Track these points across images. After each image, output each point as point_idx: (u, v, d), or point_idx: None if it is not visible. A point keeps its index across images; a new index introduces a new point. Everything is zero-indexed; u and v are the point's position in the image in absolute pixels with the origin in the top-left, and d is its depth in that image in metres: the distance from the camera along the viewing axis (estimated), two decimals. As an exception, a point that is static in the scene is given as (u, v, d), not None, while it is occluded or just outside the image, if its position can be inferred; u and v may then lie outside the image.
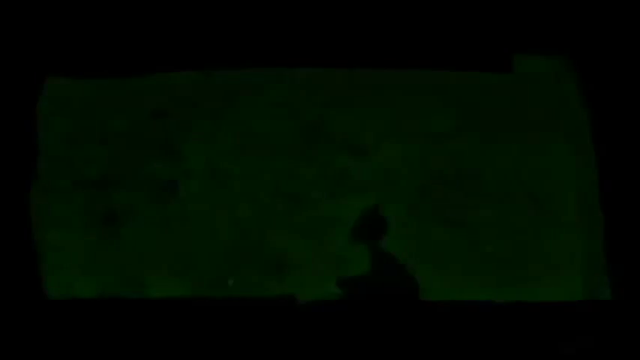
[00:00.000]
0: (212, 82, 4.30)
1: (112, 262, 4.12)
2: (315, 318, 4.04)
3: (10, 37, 4.30)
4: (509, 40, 4.32)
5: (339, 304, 4.07)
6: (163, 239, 4.15)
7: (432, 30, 4.35)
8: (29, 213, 4.12)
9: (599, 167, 4.21)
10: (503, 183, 4.20)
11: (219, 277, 4.12)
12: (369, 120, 4.26)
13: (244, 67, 4.30)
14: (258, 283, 4.11)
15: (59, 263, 4.12)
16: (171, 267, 4.12)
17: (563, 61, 4.31)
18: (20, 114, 4.23)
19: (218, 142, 4.25)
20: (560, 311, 4.03)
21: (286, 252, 4.14)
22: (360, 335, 4.04)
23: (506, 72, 4.29)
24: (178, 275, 4.11)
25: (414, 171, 4.22)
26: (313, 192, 4.21)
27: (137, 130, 4.26)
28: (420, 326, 4.05)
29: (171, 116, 4.27)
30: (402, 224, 4.17)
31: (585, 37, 4.34)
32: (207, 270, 4.12)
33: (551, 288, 4.10)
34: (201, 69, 4.30)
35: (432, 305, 4.07)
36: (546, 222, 4.17)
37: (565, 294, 4.09)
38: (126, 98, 4.27)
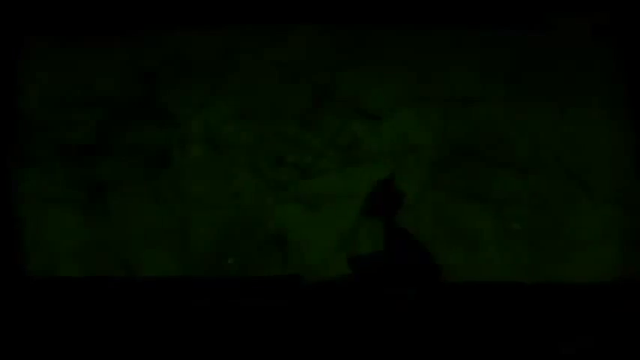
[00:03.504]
0: (209, 40, 4.11)
1: (99, 238, 4.01)
2: (321, 298, 3.95)
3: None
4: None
5: (349, 286, 3.97)
6: (155, 214, 4.02)
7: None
8: (9, 185, 4.01)
9: (637, 136, 4.02)
10: (532, 153, 4.03)
11: (216, 255, 4.00)
12: (382, 82, 4.09)
13: (244, 22, 4.12)
14: (260, 262, 3.99)
15: (41, 240, 4.01)
16: (164, 244, 4.01)
17: (599, 20, 4.08)
18: None
19: (216, 107, 4.09)
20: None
21: (291, 227, 4.01)
22: (372, 320, 3.93)
23: (539, 31, 4.09)
24: (172, 253, 4.00)
25: (432, 139, 4.06)
26: (321, 162, 4.05)
27: (126, 94, 4.10)
28: (439, 310, 3.93)
29: (163, 78, 4.11)
30: (418, 198, 4.02)
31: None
32: (203, 248, 4.00)
33: (585, 267, 3.97)
34: (196, 25, 4.11)
35: (454, 287, 3.95)
36: (580, 196, 4.02)
37: (600, 273, 3.95)
38: (113, 58, 4.11)
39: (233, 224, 4.00)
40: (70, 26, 4.10)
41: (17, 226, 3.98)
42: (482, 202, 4.00)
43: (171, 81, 4.10)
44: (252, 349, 3.87)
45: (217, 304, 3.91)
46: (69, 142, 4.05)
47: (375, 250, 3.99)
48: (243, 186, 4.03)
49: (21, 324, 3.91)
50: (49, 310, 3.92)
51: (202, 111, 4.08)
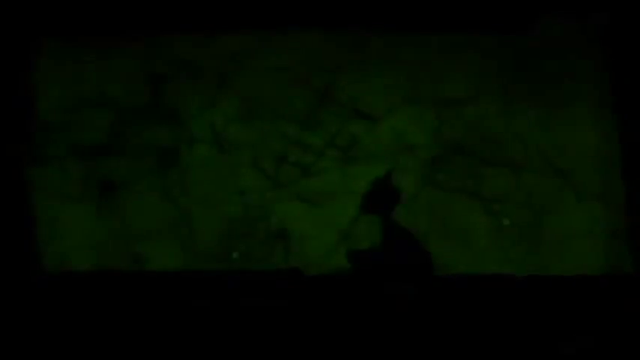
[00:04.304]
0: (214, 44, 4.16)
1: (110, 233, 4.06)
2: (323, 292, 3.98)
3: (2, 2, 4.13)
4: (532, 1, 4.13)
5: (348, 278, 4.02)
6: (163, 210, 4.07)
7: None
8: (25, 182, 4.05)
9: (621, 137, 4.09)
10: (522, 152, 4.09)
11: (222, 249, 4.05)
12: (380, 85, 4.14)
13: (248, 28, 4.15)
14: (263, 256, 4.05)
15: (55, 234, 4.06)
16: (171, 239, 4.06)
17: (587, 25, 4.15)
18: (15, 80, 4.12)
19: (221, 108, 4.14)
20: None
21: (293, 223, 4.07)
22: (370, 310, 3.97)
23: (530, 35, 4.14)
24: (179, 247, 4.06)
25: (427, 139, 4.11)
26: (321, 161, 4.11)
27: (136, 96, 4.14)
28: (433, 301, 3.98)
29: (172, 81, 4.15)
30: (415, 195, 4.08)
31: (611, 1, 4.16)
32: (209, 242, 4.06)
33: (570, 260, 4.03)
34: (202, 31, 4.15)
35: (447, 279, 4.00)
36: (566, 193, 4.08)
37: (586, 267, 4.02)
38: (124, 62, 4.15)
39: (237, 220, 4.06)
40: (83, 31, 4.15)
41: (33, 222, 4.04)
42: (474, 199, 4.07)
43: (179, 84, 4.15)
44: (256, 338, 3.93)
45: (222, 297, 3.97)
46: (82, 142, 4.11)
47: (372, 245, 4.06)
48: (247, 184, 4.09)
49: (36, 314, 3.97)
50: (61, 301, 3.99)
51: (208, 112, 4.14)
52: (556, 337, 3.92)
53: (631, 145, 4.09)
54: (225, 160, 4.10)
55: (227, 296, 3.97)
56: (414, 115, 4.12)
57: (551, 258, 4.04)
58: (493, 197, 4.07)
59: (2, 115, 4.09)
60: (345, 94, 4.14)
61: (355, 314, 3.95)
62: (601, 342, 3.91)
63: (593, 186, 4.08)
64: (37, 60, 4.14)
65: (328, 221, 4.07)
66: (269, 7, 4.13)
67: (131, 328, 3.94)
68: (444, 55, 4.15)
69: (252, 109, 4.12)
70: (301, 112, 4.12)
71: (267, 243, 4.06)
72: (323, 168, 4.10)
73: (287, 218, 4.07)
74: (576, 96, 4.13)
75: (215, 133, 4.12)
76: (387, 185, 4.08)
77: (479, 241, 4.05)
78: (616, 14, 4.14)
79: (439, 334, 3.92)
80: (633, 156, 4.08)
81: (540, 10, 4.14)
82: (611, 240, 4.05)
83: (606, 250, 4.04)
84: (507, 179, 4.08)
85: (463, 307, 3.96)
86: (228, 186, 4.09)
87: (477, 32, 4.13)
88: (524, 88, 4.13)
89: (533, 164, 4.09)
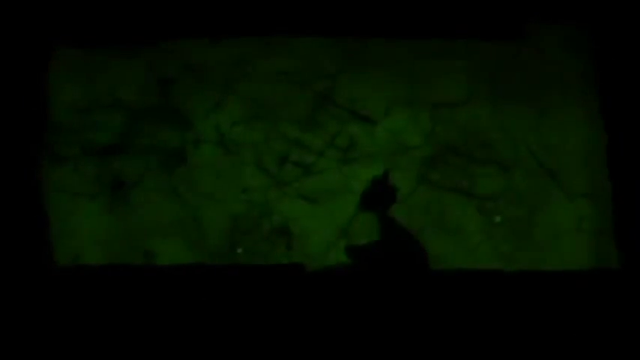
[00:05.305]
0: (220, 49, 4.25)
1: (121, 229, 4.12)
2: (323, 286, 4.04)
3: (18, 8, 4.23)
4: (522, 8, 4.24)
5: (347, 273, 4.07)
6: (171, 207, 4.14)
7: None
8: (40, 181, 4.11)
9: (608, 137, 4.17)
10: (512, 152, 4.17)
11: (227, 245, 4.11)
12: (378, 88, 4.22)
13: (252, 35, 4.25)
14: (266, 251, 4.11)
15: (68, 230, 4.12)
16: (179, 235, 4.12)
17: (574, 30, 4.24)
18: (30, 83, 4.20)
19: (226, 110, 4.21)
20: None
21: (294, 220, 4.14)
22: (368, 303, 4.04)
23: (518, 40, 4.22)
24: (186, 243, 4.12)
25: (422, 140, 4.19)
26: (321, 161, 4.19)
27: (145, 99, 4.22)
28: (428, 294, 4.05)
29: (179, 84, 4.22)
30: (411, 193, 4.15)
31: (597, 7, 4.27)
32: (215, 238, 4.12)
33: (560, 257, 4.10)
34: (209, 36, 4.24)
35: (441, 274, 4.06)
36: (555, 191, 4.15)
37: (574, 263, 4.09)
38: (134, 66, 4.23)
39: (241, 217, 4.14)
40: (95, 38, 4.24)
41: (46, 218, 4.12)
42: (467, 197, 4.16)
43: (186, 87, 4.24)
44: (260, 330, 4.00)
45: (227, 289, 4.05)
46: (94, 143, 4.20)
47: (370, 241, 4.14)
48: (251, 182, 4.17)
49: (49, 307, 4.05)
50: (74, 294, 4.06)
51: (214, 114, 4.22)
52: (544, 329, 3.97)
53: (618, 145, 4.17)
54: (229, 160, 4.18)
55: (232, 290, 4.04)
56: (409, 117, 4.21)
57: (540, 254, 4.12)
58: (485, 196, 4.15)
59: (19, 116, 4.19)
60: (344, 97, 4.23)
61: (354, 307, 4.03)
62: (587, 335, 3.97)
63: (581, 185, 4.16)
64: (51, 64, 4.23)
65: (328, 218, 4.14)
66: (272, 14, 4.23)
67: (138, 320, 4.02)
68: (438, 60, 4.24)
69: (256, 111, 4.21)
70: (302, 114, 4.21)
71: (270, 239, 4.13)
72: (323, 168, 4.18)
73: (289, 215, 4.15)
74: (565, 98, 4.21)
75: (220, 134, 4.20)
76: (384, 184, 4.15)
77: (472, 237, 4.13)
78: (603, 18, 4.22)
79: (433, 326, 4.00)
80: (620, 156, 4.17)
81: (530, 16, 4.22)
82: (599, 237, 4.13)
83: (593, 246, 4.12)
84: (499, 178, 4.16)
85: (456, 300, 4.02)
86: (233, 185, 4.16)
87: (470, 37, 4.22)
88: (514, 91, 4.22)
89: (523, 164, 4.17)
